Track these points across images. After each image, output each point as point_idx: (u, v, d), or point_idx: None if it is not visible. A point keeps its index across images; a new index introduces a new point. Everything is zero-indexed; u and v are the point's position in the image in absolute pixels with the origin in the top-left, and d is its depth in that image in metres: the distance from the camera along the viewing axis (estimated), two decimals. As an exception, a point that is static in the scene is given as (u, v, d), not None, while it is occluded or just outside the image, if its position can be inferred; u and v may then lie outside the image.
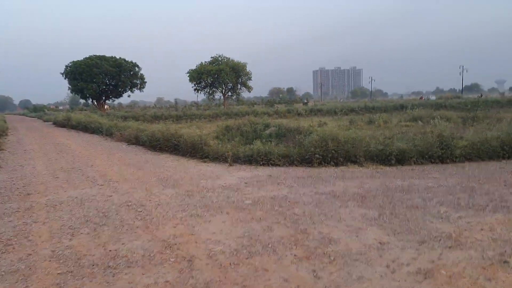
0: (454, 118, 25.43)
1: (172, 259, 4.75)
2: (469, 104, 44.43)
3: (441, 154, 10.77)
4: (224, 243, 5.22)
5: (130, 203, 7.47)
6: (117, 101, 75.98)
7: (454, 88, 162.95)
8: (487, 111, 32.03)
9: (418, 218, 5.97)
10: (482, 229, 5.35)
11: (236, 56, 66.88)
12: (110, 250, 5.13)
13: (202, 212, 6.68)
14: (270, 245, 5.06)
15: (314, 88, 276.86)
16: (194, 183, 9.12)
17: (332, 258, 4.60)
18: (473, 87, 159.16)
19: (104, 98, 60.51)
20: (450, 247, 4.77)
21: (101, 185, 9.32)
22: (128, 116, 38.31)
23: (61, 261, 4.83)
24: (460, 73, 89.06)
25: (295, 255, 4.72)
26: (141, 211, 6.93)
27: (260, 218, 6.25)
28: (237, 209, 6.81)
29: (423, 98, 76.70)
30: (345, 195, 7.45)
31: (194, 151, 13.35)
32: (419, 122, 25.17)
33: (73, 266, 4.65)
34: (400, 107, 45.11)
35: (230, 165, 11.28)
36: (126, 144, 18.82)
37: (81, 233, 5.85)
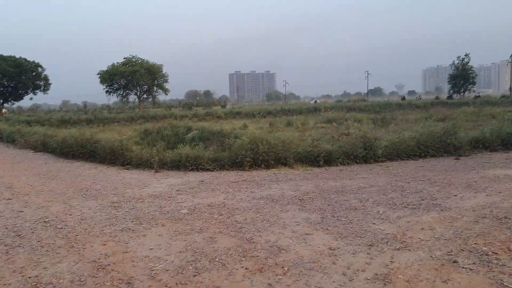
0: (364, 120, 26.97)
1: (107, 283, 4.15)
2: (376, 107, 47.75)
3: (365, 154, 11.15)
4: (166, 259, 4.71)
5: (47, 219, 6.57)
6: (17, 104, 69.47)
7: (359, 92, 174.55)
8: (393, 113, 34.48)
9: (359, 219, 5.98)
10: (422, 229, 5.47)
11: (151, 57, 64.50)
12: (29, 277, 4.36)
13: (134, 226, 6.07)
14: (217, 259, 4.66)
15: (230, 91, 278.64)
16: (119, 192, 8.36)
17: (285, 268, 4.34)
18: (376, 91, 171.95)
19: (1, 101, 54.83)
20: (398, 249, 4.78)
21: (8, 199, 8.16)
22: (31, 121, 35.05)
23: (-33, 296, 3.99)
24: (365, 77, 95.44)
25: (246, 268, 4.39)
26: (62, 227, 6.11)
27: (200, 228, 5.81)
28: (173, 219, 6.29)
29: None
30: (283, 199, 7.28)
31: (114, 157, 12.41)
32: (334, 123, 26.31)
33: (-17, 302, 3.85)
34: (314, 110, 46.91)
35: (156, 171, 10.61)
36: (33, 151, 17.03)
37: (-10, 259, 4.95)
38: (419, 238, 5.12)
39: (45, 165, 12.99)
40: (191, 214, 6.56)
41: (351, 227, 5.64)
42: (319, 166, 10.61)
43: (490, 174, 8.86)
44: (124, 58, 57.87)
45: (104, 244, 5.33)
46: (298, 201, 7.12)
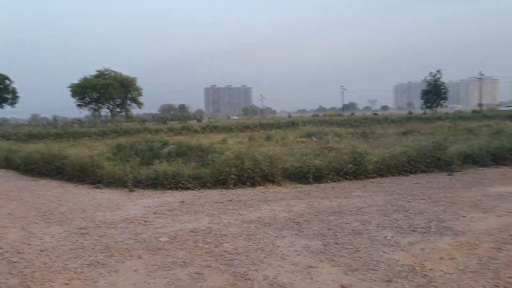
0: (344, 134, 26.60)
1: None
2: (353, 121, 47.85)
3: (355, 170, 10.51)
4: (144, 305, 3.82)
5: (0, 250, 5.54)
6: (-19, 118, 66.47)
7: (334, 107, 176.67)
8: (371, 128, 34.38)
9: (367, 247, 5.23)
10: (441, 258, 4.76)
11: (124, 70, 62.91)
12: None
13: (105, 258, 5.12)
14: (207, 303, 3.81)
15: (206, 105, 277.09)
16: (88, 216, 7.36)
17: (293, 315, 3.52)
18: (350, 106, 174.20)
19: (-35, 114, 52.21)
20: (422, 286, 4.04)
21: (-43, 225, 7.04)
22: (-4, 135, 33.12)
23: None
24: (340, 92, 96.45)
25: (244, 315, 3.55)
26: (17, 261, 5.11)
27: (184, 261, 4.93)
28: (151, 250, 5.38)
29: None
30: (276, 222, 6.48)
31: (84, 175, 11.32)
32: (313, 138, 25.81)
33: None
34: (292, 124, 46.52)
35: (131, 190, 9.62)
36: (-6, 168, 15.64)
37: None
38: (442, 271, 4.40)
39: (6, 183, 11.77)
40: (172, 242, 5.66)
41: (360, 257, 4.88)
42: (308, 183, 9.87)
43: (492, 192, 8.31)
44: (97, 71, 56.00)
45: (68, 283, 4.39)
46: (293, 224, 6.32)
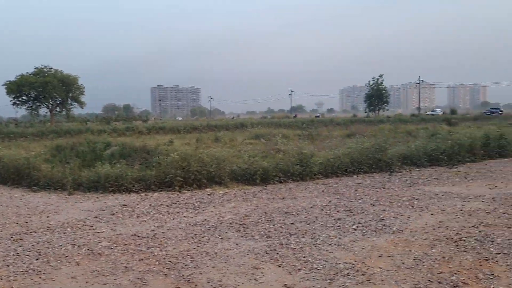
0: (291, 135, 27.05)
1: None
2: (300, 123, 48.83)
3: (301, 171, 10.71)
4: (81, 314, 3.64)
5: None
6: None
7: (283, 109, 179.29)
8: (317, 130, 35.22)
9: (311, 246, 5.33)
10: (381, 256, 4.94)
11: (65, 68, 59.69)
12: None
13: (40, 265, 4.84)
14: (149, 309, 3.70)
15: (152, 105, 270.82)
16: (23, 221, 6.93)
17: (237, 317, 3.51)
18: (298, 108, 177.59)
19: None
20: (362, 283, 4.17)
21: None
22: None
23: None
24: (288, 95, 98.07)
25: (187, 320, 3.48)
26: None
27: (125, 266, 4.76)
28: (91, 255, 5.15)
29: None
30: (222, 224, 6.44)
31: (19, 177, 10.68)
32: (262, 139, 26.03)
33: None
34: (240, 125, 46.64)
35: (70, 193, 9.18)
36: None
37: None
38: (381, 268, 4.56)
39: None
40: (113, 247, 5.45)
41: (304, 257, 4.96)
42: (255, 184, 9.93)
43: (428, 191, 8.78)
44: (35, 68, 53.05)
45: (-3, 294, 4.10)
46: (239, 226, 6.32)
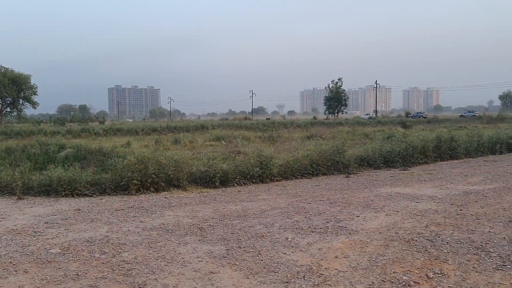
0: (252, 137, 27.15)
1: None
2: (261, 125, 49.09)
3: (261, 173, 10.75)
4: (26, 326, 3.45)
5: None
6: None
7: (244, 110, 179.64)
8: (278, 132, 35.54)
9: (269, 249, 5.33)
10: (337, 257, 5.01)
11: (16, 67, 56.93)
12: None
13: (-17, 276, 4.56)
14: (100, 318, 3.56)
15: (110, 106, 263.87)
16: (-35, 228, 6.52)
17: (192, 323, 3.44)
18: (260, 110, 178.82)
19: None
20: (318, 285, 4.21)
21: None
22: None
23: None
24: (250, 97, 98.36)
25: (141, 329, 3.38)
26: None
27: (77, 273, 4.57)
28: (40, 263, 4.91)
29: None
30: (179, 229, 6.33)
31: (-37, 182, 10.04)
32: (222, 141, 25.97)
33: None
34: (201, 127, 46.27)
35: (20, 198, 8.74)
36: None
37: None
38: (336, 269, 4.63)
39: None
40: (64, 254, 5.22)
41: (261, 260, 4.95)
42: (215, 187, 9.86)
43: (383, 192, 9.03)
44: (-17, 67, 50.56)
45: None
46: (197, 230, 6.23)
